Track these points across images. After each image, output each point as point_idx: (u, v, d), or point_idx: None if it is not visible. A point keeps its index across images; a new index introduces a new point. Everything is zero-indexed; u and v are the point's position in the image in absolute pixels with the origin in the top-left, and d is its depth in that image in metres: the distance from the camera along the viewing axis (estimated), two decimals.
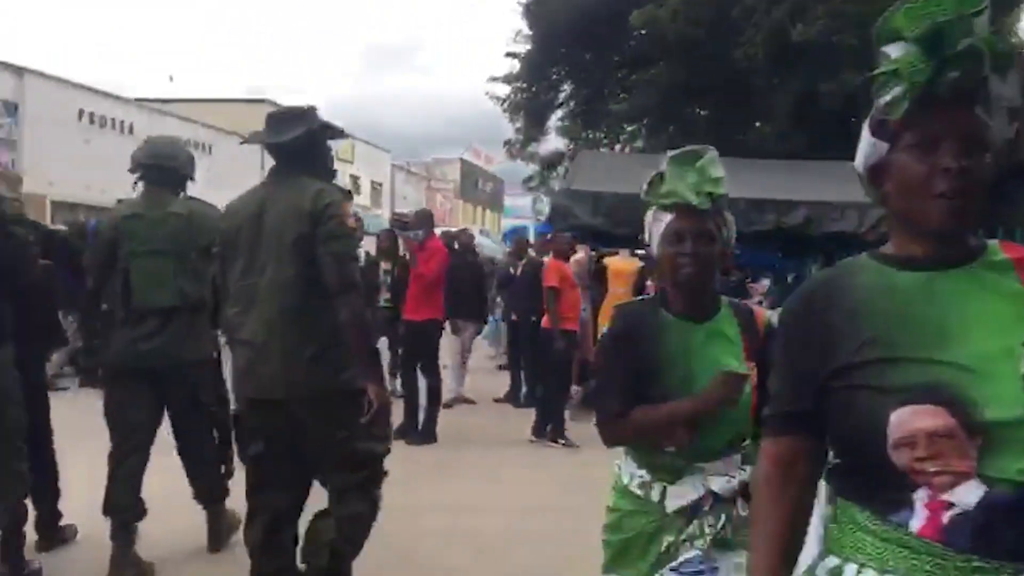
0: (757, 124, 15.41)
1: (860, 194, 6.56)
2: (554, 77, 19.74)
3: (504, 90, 20.06)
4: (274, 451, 3.41)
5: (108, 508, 4.21)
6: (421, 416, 7.97)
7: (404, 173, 46.16)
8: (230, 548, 4.61)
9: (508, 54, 19.92)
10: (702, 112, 17.07)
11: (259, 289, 3.35)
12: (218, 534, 4.68)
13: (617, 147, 20.34)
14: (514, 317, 10.09)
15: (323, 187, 3.40)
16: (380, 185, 42.86)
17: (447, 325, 9.24)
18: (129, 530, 4.20)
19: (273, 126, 3.52)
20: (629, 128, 19.55)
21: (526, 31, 19.65)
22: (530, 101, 19.87)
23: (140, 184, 4.43)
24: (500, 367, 12.77)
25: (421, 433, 7.86)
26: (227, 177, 29.22)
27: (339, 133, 3.63)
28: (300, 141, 3.46)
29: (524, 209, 70.15)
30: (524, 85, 19.96)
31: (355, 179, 39.94)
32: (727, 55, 15.38)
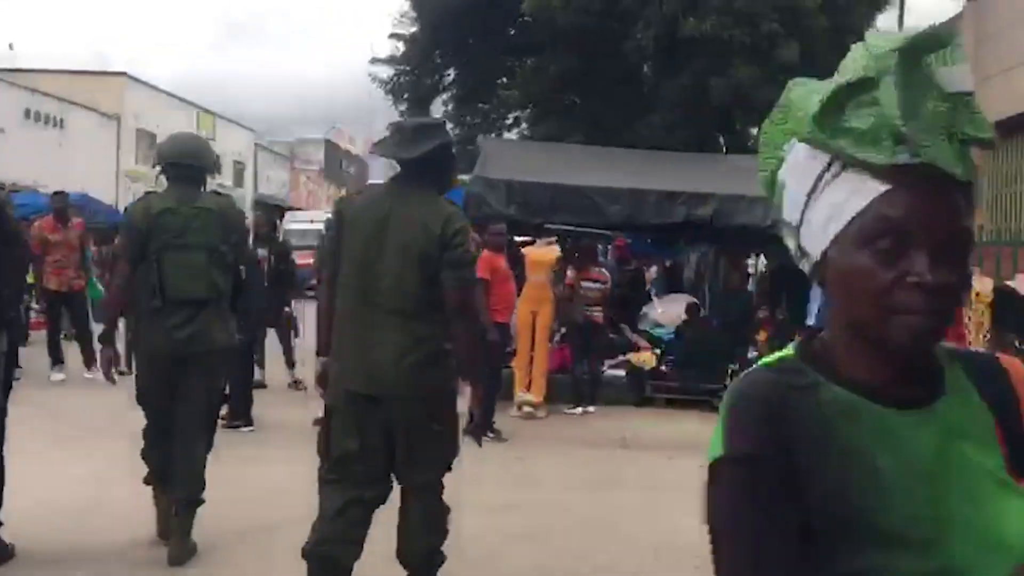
0: (646, 115, 15.63)
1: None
2: (438, 61, 19.53)
3: (387, 72, 19.78)
4: (368, 446, 3.53)
5: (151, 479, 4.61)
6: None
7: (268, 153, 44.88)
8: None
9: (392, 35, 19.63)
10: (590, 101, 17.24)
11: (376, 292, 3.52)
12: (183, 545, 4.44)
13: (503, 135, 20.38)
14: None
15: (453, 212, 3.59)
16: (243, 164, 41.56)
17: None
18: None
19: (405, 138, 3.61)
20: (513, 115, 19.57)
21: (411, 12, 19.42)
22: (414, 84, 19.63)
23: (164, 179, 4.65)
24: None
25: None
26: (81, 152, 27.83)
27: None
28: (431, 155, 3.55)
29: None
30: (407, 68, 19.70)
31: (217, 157, 38.60)
32: (617, 45, 15.59)
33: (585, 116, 17.04)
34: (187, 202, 4.51)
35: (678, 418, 9.22)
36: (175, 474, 4.50)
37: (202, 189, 4.66)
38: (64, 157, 26.88)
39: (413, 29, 19.56)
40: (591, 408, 9.27)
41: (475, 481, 6.25)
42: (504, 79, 19.24)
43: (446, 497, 3.75)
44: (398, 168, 3.63)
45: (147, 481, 4.59)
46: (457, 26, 18.11)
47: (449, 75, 19.49)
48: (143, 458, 4.55)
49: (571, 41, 16.22)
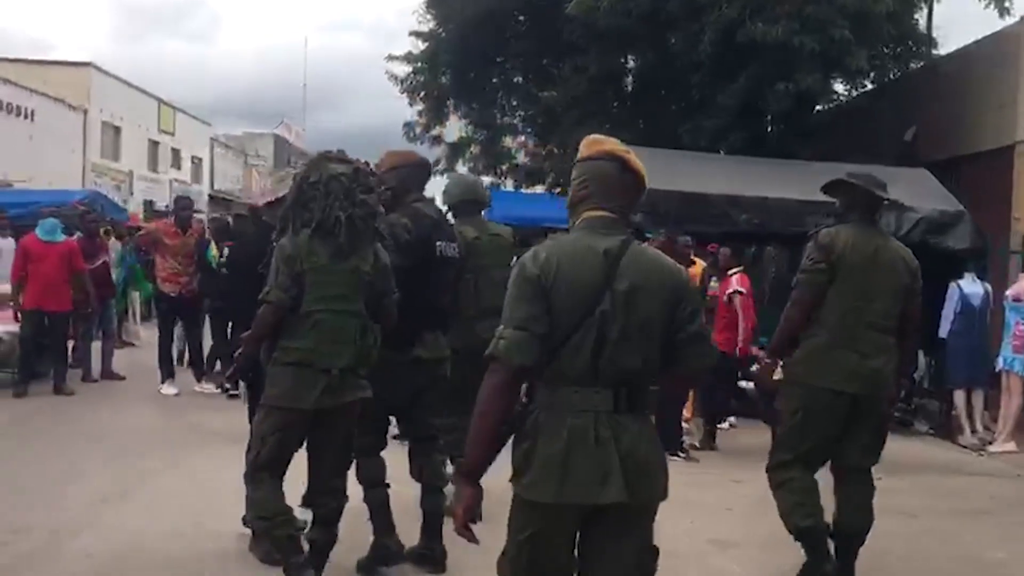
0: (694, 119, 15.43)
1: (895, 194, 6.78)
2: (456, 61, 19.01)
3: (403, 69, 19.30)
4: (833, 436, 4.61)
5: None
6: None
7: (222, 147, 43.62)
8: None
9: (413, 33, 19.15)
10: (632, 104, 17.00)
11: (866, 314, 4.57)
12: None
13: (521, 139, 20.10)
14: None
15: (907, 249, 4.85)
16: (200, 160, 40.29)
17: None
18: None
19: (879, 183, 4.80)
20: (538, 120, 19.19)
21: (429, 11, 18.98)
22: (430, 83, 19.20)
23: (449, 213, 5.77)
24: None
25: None
26: (49, 145, 26.50)
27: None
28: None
29: None
30: (424, 66, 19.25)
31: (176, 152, 37.39)
32: (664, 49, 15.39)
33: (627, 119, 16.82)
34: (486, 231, 5.84)
35: None
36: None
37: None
38: (35, 149, 25.60)
39: (432, 26, 19.14)
40: (732, 420, 9.12)
41: (716, 512, 5.99)
42: (521, 81, 18.96)
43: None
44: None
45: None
46: (484, 26, 17.72)
47: (471, 75, 19.03)
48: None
49: (611, 43, 15.98)
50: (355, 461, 4.63)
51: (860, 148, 16.06)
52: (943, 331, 9.32)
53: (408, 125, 19.55)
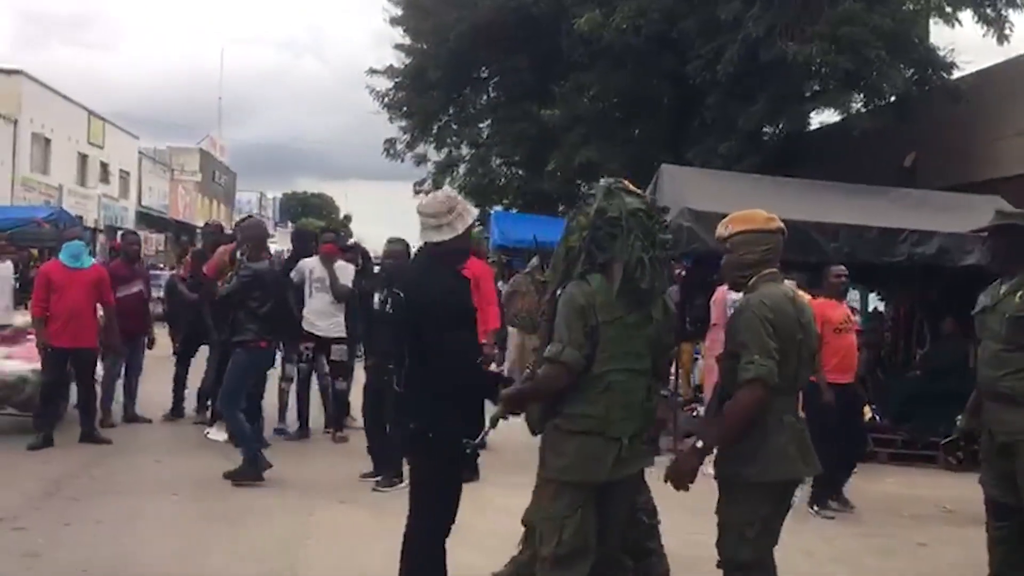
0: (701, 140, 14.94)
1: (982, 222, 5.91)
2: (437, 76, 18.20)
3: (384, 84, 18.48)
4: None
5: None
6: None
7: (150, 161, 41.65)
8: None
9: (397, 46, 18.34)
10: (635, 123, 16.44)
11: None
12: None
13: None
14: None
15: None
16: (128, 174, 38.35)
17: None
18: None
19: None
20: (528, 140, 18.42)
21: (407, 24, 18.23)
22: (414, 99, 18.37)
23: None
24: None
25: None
26: None
27: None
28: None
29: (252, 206, 66.51)
30: (406, 81, 18.45)
31: (104, 166, 35.50)
32: (678, 69, 14.93)
33: (631, 140, 16.27)
34: None
35: (935, 476, 8.53)
36: None
37: None
38: None
39: (407, 41, 18.43)
40: None
41: None
42: (516, 98, 18.26)
43: None
44: None
45: None
46: (478, 41, 17.01)
47: (461, 93, 18.27)
48: None
49: (617, 62, 15.45)
50: None
51: (858, 171, 15.76)
52: None
53: (389, 142, 18.65)
